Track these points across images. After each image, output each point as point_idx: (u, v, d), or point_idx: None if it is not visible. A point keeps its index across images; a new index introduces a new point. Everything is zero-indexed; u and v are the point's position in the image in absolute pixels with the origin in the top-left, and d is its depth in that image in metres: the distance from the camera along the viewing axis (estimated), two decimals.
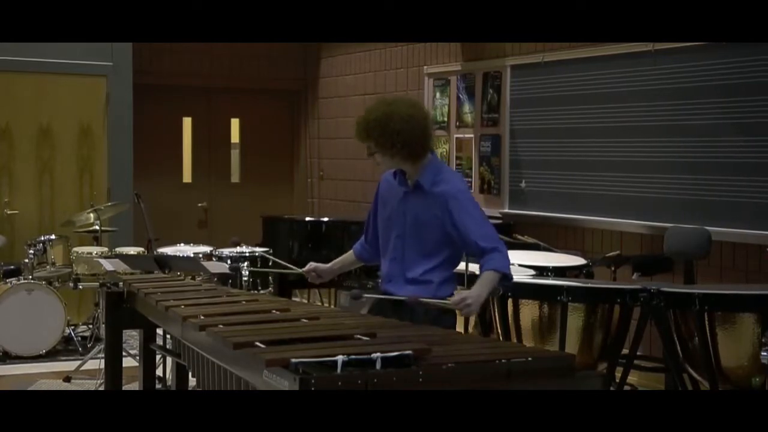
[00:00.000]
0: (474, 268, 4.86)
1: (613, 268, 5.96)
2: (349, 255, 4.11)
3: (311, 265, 4.04)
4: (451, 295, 3.70)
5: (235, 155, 10.28)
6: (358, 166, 9.07)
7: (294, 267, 4.20)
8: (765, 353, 4.00)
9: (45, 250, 7.40)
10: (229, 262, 6.38)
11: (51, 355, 7.06)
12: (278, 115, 10.36)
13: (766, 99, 5.47)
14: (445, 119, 8.07)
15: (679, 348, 4.48)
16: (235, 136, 10.26)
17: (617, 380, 4.79)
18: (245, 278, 6.26)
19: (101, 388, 5.73)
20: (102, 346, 5.53)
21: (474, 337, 4.19)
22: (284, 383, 2.53)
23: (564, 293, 4.52)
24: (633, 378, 5.87)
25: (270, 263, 5.38)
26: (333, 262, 4.10)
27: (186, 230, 9.17)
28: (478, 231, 3.67)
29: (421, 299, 3.61)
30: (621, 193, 6.38)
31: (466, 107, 7.81)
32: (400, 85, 8.69)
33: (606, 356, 4.65)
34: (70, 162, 8.51)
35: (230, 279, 6.18)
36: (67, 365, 6.77)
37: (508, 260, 3.69)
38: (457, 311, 3.62)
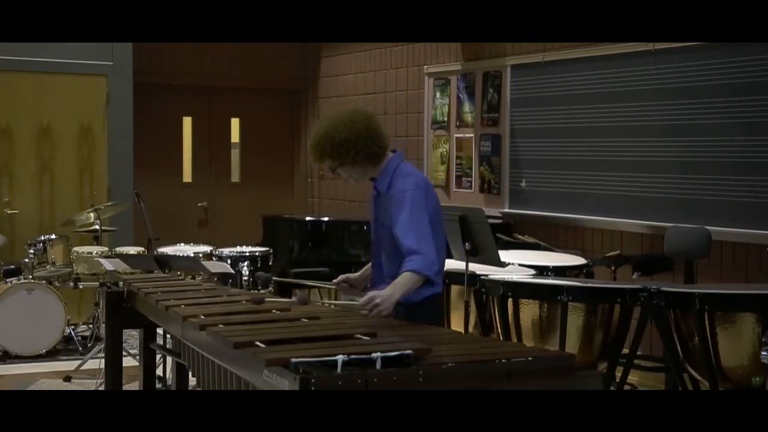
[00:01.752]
0: (474, 267, 4.88)
1: (613, 268, 5.97)
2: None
3: (342, 276, 3.97)
4: (434, 295, 3.70)
5: (235, 155, 10.28)
6: None
7: (323, 283, 4.17)
8: (765, 353, 3.99)
9: (45, 250, 7.40)
10: (229, 261, 6.38)
11: (51, 354, 7.06)
12: (278, 115, 10.36)
13: (767, 99, 5.47)
14: (445, 119, 8.07)
15: (679, 348, 4.48)
16: (235, 136, 10.26)
17: (617, 380, 4.79)
18: (245, 278, 6.26)
19: (101, 388, 5.73)
20: (102, 346, 5.53)
21: (474, 337, 4.19)
22: (284, 383, 2.53)
23: (564, 293, 4.52)
24: (633, 378, 5.87)
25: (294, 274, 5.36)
26: (363, 269, 4.03)
27: (186, 230, 9.18)
28: (402, 232, 3.62)
29: (331, 303, 3.63)
30: (621, 193, 6.39)
31: (467, 107, 7.81)
32: (400, 85, 8.69)
33: (606, 356, 4.65)
34: (71, 162, 8.51)
35: (230, 279, 6.18)
36: (67, 365, 6.78)
37: (432, 262, 3.59)
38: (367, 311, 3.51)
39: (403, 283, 3.53)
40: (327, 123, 3.79)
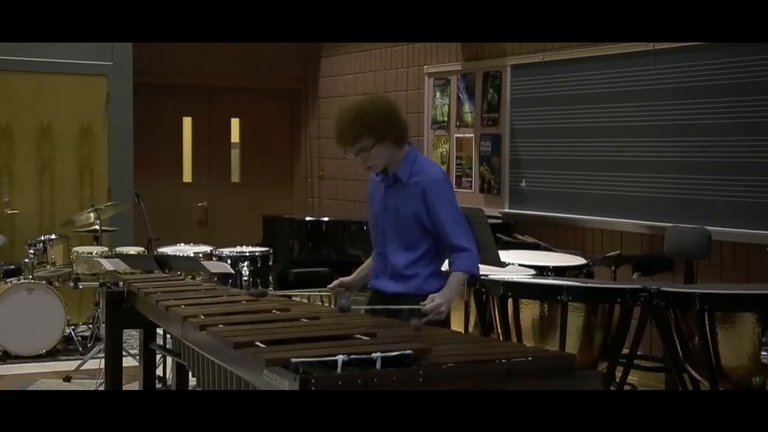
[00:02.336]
0: None
1: (613, 268, 5.96)
2: (368, 263, 4.04)
3: (336, 281, 3.98)
4: (439, 289, 3.69)
5: (235, 155, 10.29)
6: (358, 166, 9.05)
7: (320, 289, 4.19)
8: (765, 353, 3.99)
9: (45, 250, 7.40)
10: (229, 262, 6.38)
11: (51, 354, 7.06)
12: (278, 115, 10.36)
13: (766, 99, 5.47)
14: (445, 119, 8.07)
15: (679, 348, 4.48)
16: (235, 136, 10.27)
17: (617, 380, 4.79)
18: (245, 278, 6.27)
19: (101, 388, 5.73)
20: (102, 346, 5.53)
21: (474, 337, 4.19)
22: (284, 383, 2.53)
23: (564, 293, 4.52)
24: (633, 378, 5.87)
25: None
26: (356, 272, 4.04)
27: (186, 230, 9.18)
28: (451, 226, 3.69)
29: (393, 307, 3.61)
30: (621, 193, 6.39)
31: (467, 107, 7.81)
32: (400, 85, 8.69)
33: (606, 356, 4.65)
34: (71, 161, 8.51)
35: (230, 279, 6.18)
36: (67, 365, 6.78)
37: (477, 260, 3.73)
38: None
39: (457, 283, 3.68)
40: (352, 105, 3.77)
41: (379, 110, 3.72)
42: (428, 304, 3.54)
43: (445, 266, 3.83)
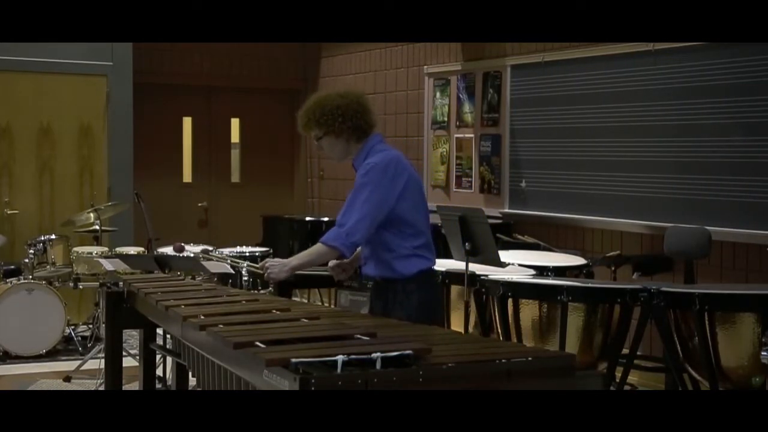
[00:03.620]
0: (474, 267, 4.88)
1: (613, 268, 5.97)
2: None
3: (333, 262, 4.06)
4: (426, 269, 3.83)
5: (235, 155, 10.29)
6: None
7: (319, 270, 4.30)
8: (765, 353, 3.99)
9: (45, 250, 7.40)
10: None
11: (51, 354, 7.06)
12: (278, 115, 10.36)
13: (766, 99, 5.47)
14: (445, 119, 8.07)
15: (679, 348, 4.48)
16: (235, 136, 10.27)
17: (617, 380, 4.79)
18: (245, 278, 6.26)
19: (101, 388, 5.73)
20: (102, 346, 5.53)
21: (474, 337, 4.19)
22: (284, 383, 2.53)
23: (564, 293, 4.52)
24: (633, 378, 5.87)
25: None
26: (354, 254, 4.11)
27: (186, 230, 9.18)
28: (345, 206, 3.77)
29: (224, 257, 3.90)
30: (621, 193, 6.39)
31: (467, 107, 7.81)
32: (400, 85, 8.69)
33: (606, 356, 4.65)
34: (71, 162, 8.51)
35: (230, 279, 6.17)
36: (67, 365, 6.78)
37: (342, 235, 3.71)
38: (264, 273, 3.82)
39: (307, 252, 3.84)
40: (320, 94, 3.97)
41: (333, 105, 3.83)
42: (262, 263, 3.82)
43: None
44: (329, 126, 3.83)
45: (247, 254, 6.58)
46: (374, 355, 2.58)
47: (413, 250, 3.82)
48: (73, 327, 7.41)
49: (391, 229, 3.80)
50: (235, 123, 10.24)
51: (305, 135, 3.97)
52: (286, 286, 6.89)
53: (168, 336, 4.61)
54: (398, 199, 3.76)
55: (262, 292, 6.28)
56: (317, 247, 3.77)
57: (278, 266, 3.80)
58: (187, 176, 10.07)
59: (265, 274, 3.79)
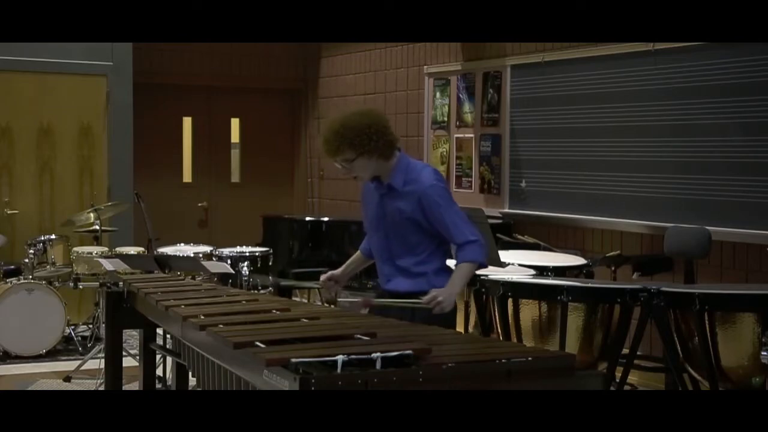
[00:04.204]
0: None
1: (613, 268, 5.97)
2: (357, 255, 4.19)
3: (325, 276, 4.09)
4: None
5: (235, 155, 10.28)
6: None
7: (312, 285, 4.30)
8: (765, 353, 4.00)
9: (45, 250, 7.40)
10: (229, 262, 6.37)
11: (51, 355, 7.06)
12: (278, 115, 10.36)
13: (766, 99, 5.47)
14: (445, 119, 8.07)
15: (679, 348, 4.48)
16: (235, 136, 10.27)
17: (617, 380, 4.79)
18: (245, 278, 6.26)
19: (101, 388, 5.73)
20: (102, 346, 5.53)
21: (474, 337, 4.19)
22: (284, 383, 2.53)
23: (564, 293, 4.52)
24: (633, 378, 5.87)
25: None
26: (344, 265, 4.17)
27: (186, 230, 9.18)
28: (453, 227, 3.78)
29: (397, 301, 3.71)
30: (621, 193, 6.39)
31: (467, 107, 7.81)
32: (400, 85, 8.69)
33: (606, 356, 4.65)
34: (71, 162, 8.51)
35: (230, 279, 6.18)
36: (67, 365, 6.77)
37: (483, 247, 3.80)
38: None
39: (462, 275, 3.77)
40: (340, 117, 3.84)
41: (362, 124, 3.76)
42: (427, 297, 3.65)
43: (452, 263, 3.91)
44: (363, 147, 3.75)
45: (247, 254, 6.58)
46: (374, 355, 2.58)
47: (443, 263, 3.92)
48: (73, 327, 7.41)
49: (437, 243, 3.88)
50: (235, 123, 10.24)
51: (332, 159, 3.84)
52: (286, 287, 6.90)
53: (168, 336, 4.62)
54: None
55: (262, 292, 6.28)
56: (470, 267, 3.78)
57: (448, 297, 3.69)
58: (187, 176, 10.07)
59: (436, 309, 3.65)
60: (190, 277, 5.84)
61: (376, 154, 3.79)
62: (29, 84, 8.33)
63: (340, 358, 2.53)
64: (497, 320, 4.79)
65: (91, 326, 7.32)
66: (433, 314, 3.65)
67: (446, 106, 8.06)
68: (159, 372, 5.43)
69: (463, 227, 3.79)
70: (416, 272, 3.85)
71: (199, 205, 9.99)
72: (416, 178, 3.83)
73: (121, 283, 4.49)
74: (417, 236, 3.84)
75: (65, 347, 7.28)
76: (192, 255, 6.27)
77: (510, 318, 4.69)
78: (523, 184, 7.22)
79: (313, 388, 2.45)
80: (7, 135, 8.31)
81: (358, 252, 4.18)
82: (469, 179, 7.77)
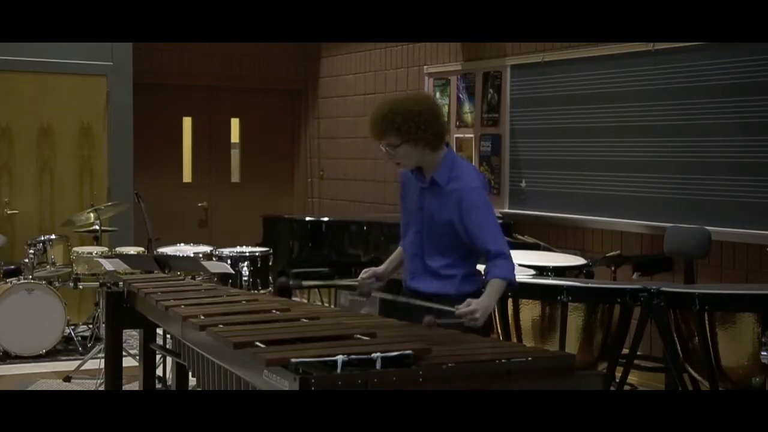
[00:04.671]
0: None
1: (613, 268, 5.97)
2: (399, 251, 4.00)
3: (368, 271, 3.92)
4: (475, 291, 3.68)
5: (235, 155, 10.28)
6: (359, 166, 9.07)
7: (350, 280, 4.16)
8: (765, 353, 4.00)
9: (45, 250, 7.40)
10: (229, 262, 6.37)
11: (51, 355, 7.06)
12: (278, 115, 10.36)
13: (766, 99, 5.47)
14: (445, 119, 8.06)
15: (679, 348, 4.48)
16: (235, 136, 10.27)
17: (617, 380, 4.79)
18: (245, 278, 6.26)
19: (101, 388, 5.73)
20: (102, 346, 5.53)
21: (474, 337, 4.18)
22: (284, 383, 2.53)
23: (564, 293, 4.52)
24: (633, 378, 5.87)
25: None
26: (387, 261, 4.00)
27: (186, 230, 9.18)
28: (486, 233, 3.65)
29: (428, 304, 3.58)
30: (621, 193, 6.38)
31: (467, 107, 7.81)
32: (400, 85, 8.69)
33: (606, 356, 4.65)
34: (71, 162, 8.51)
35: (230, 279, 6.18)
36: (67, 365, 6.77)
37: (513, 265, 3.67)
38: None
39: (496, 291, 3.58)
40: (391, 100, 3.73)
41: (412, 111, 3.64)
42: (463, 308, 3.46)
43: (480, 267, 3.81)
44: (410, 134, 3.63)
45: (247, 254, 6.58)
46: (374, 355, 2.58)
47: (472, 269, 3.79)
48: (73, 327, 7.41)
49: (470, 248, 3.74)
50: (235, 123, 10.24)
51: (377, 141, 3.71)
52: (286, 287, 6.90)
53: (168, 336, 4.62)
54: None
55: (262, 292, 6.29)
56: (501, 284, 3.59)
57: (484, 312, 3.51)
58: (187, 176, 10.07)
59: (469, 323, 3.47)
60: (190, 277, 5.84)
61: (422, 144, 3.66)
62: (29, 84, 8.33)
63: (340, 358, 2.53)
64: (497, 320, 4.79)
65: (91, 326, 7.32)
66: (464, 326, 3.51)
67: (446, 106, 8.05)
68: (159, 372, 5.43)
69: (498, 237, 3.66)
70: (444, 275, 3.74)
71: (199, 205, 9.99)
72: (461, 176, 3.71)
73: (121, 283, 4.49)
74: (450, 240, 3.71)
75: (65, 347, 7.28)
76: (192, 255, 6.27)
77: (510, 318, 4.69)
78: (523, 184, 7.22)
79: (313, 388, 2.45)
80: (7, 135, 8.31)
81: (399, 248, 3.99)
82: None
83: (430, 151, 3.71)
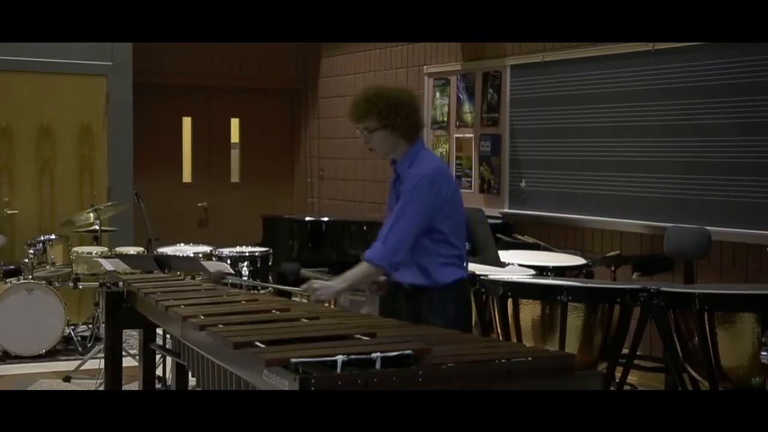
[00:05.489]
0: (474, 267, 4.87)
1: (613, 268, 5.97)
2: None
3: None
4: (461, 278, 3.80)
5: (235, 155, 10.29)
6: (358, 166, 9.07)
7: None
8: (765, 353, 3.99)
9: (45, 250, 7.40)
10: (229, 262, 6.37)
11: (51, 355, 7.06)
12: (278, 115, 10.36)
13: (766, 99, 5.47)
14: (445, 119, 8.07)
15: (679, 348, 4.48)
16: (235, 136, 10.27)
17: (617, 380, 4.79)
18: (245, 278, 6.26)
19: (101, 388, 5.73)
20: (102, 346, 5.53)
21: (474, 337, 4.19)
22: (284, 383, 2.53)
23: (564, 293, 4.51)
24: (633, 378, 5.87)
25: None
26: None
27: (186, 230, 9.18)
28: (392, 220, 3.69)
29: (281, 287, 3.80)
30: (621, 193, 6.39)
31: (466, 107, 7.81)
32: (400, 85, 8.69)
33: (606, 356, 4.65)
34: (71, 162, 8.51)
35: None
36: (67, 365, 6.78)
37: (383, 250, 3.66)
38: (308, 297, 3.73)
39: (352, 273, 3.71)
40: (377, 86, 3.82)
41: (396, 99, 3.73)
42: (305, 285, 3.68)
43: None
44: (389, 120, 3.71)
45: (247, 254, 6.58)
46: (374, 355, 2.58)
47: (449, 258, 3.79)
48: (72, 327, 7.41)
49: (429, 237, 3.74)
50: (235, 123, 10.24)
51: (354, 124, 3.79)
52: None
53: (168, 336, 4.62)
54: (440, 210, 3.72)
55: (262, 292, 6.28)
56: (364, 268, 3.67)
57: (325, 290, 3.67)
58: (187, 176, 10.07)
59: (312, 297, 3.66)
60: (190, 277, 5.84)
61: (399, 132, 3.73)
62: (29, 84, 8.33)
63: (339, 358, 2.53)
64: (497, 320, 4.79)
65: (90, 326, 7.32)
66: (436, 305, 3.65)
67: (446, 106, 8.06)
68: (159, 372, 5.43)
69: (395, 228, 3.65)
70: (421, 265, 3.77)
71: (199, 205, 9.99)
72: (417, 164, 3.75)
73: (120, 283, 4.49)
74: None
75: (65, 347, 7.28)
76: (192, 255, 6.27)
77: (510, 318, 4.68)
78: (523, 184, 7.22)
79: (313, 388, 2.45)
80: (7, 135, 8.31)
81: None
82: (469, 179, 7.77)
83: (404, 141, 3.78)
